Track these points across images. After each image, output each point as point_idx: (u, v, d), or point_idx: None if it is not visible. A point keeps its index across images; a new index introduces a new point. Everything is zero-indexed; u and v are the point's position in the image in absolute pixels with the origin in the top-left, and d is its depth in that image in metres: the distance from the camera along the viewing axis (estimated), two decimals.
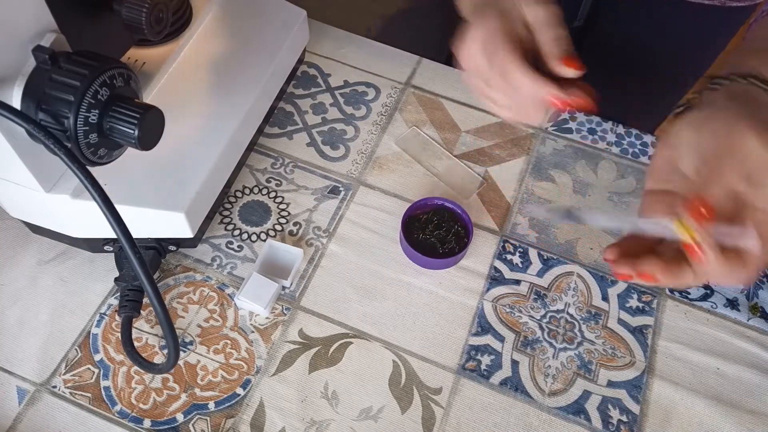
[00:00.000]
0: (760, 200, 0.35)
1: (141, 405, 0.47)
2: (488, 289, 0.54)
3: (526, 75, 0.41)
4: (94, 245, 0.53)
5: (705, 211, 0.34)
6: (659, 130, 0.82)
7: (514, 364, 0.51)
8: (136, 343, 0.49)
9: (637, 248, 0.39)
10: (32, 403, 0.47)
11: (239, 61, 0.57)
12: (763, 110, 0.36)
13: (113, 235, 0.46)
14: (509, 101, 0.44)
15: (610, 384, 0.50)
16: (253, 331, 0.51)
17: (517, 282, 0.55)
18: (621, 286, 0.55)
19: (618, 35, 0.76)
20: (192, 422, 0.47)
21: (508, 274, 0.55)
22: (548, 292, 0.54)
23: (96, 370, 0.49)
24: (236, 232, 0.56)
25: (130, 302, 0.49)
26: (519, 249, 0.56)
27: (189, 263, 0.54)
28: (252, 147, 0.60)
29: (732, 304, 0.55)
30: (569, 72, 0.43)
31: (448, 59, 0.68)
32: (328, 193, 0.58)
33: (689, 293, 0.55)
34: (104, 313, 0.51)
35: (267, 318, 0.52)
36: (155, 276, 0.53)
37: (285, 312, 0.52)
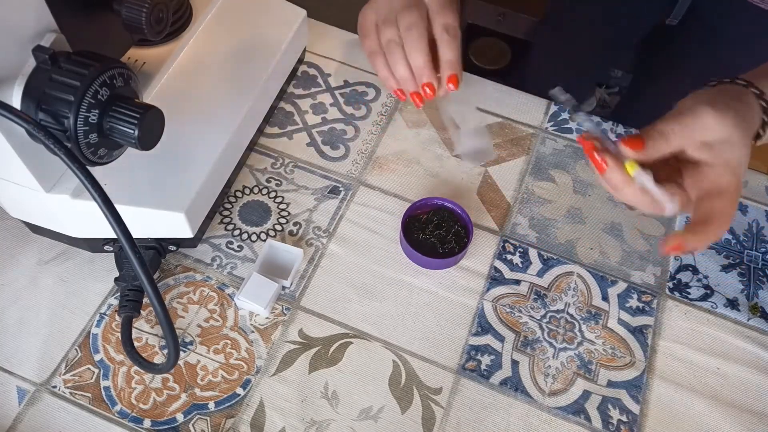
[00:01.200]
0: (713, 160, 0.44)
1: (141, 405, 0.47)
2: (488, 289, 0.54)
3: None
4: (94, 245, 0.53)
5: (638, 143, 0.43)
6: None
7: (514, 364, 0.51)
8: (136, 343, 0.49)
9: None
10: (32, 403, 0.47)
11: (239, 61, 0.57)
12: (730, 98, 0.44)
13: (113, 235, 0.46)
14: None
15: (610, 384, 0.50)
16: (253, 331, 0.51)
17: (517, 282, 0.55)
18: (621, 286, 0.55)
19: (705, 40, 0.76)
20: (192, 422, 0.47)
21: (508, 274, 0.55)
22: (548, 292, 0.54)
23: (96, 370, 0.49)
24: (236, 232, 0.56)
25: (130, 302, 0.49)
26: (519, 249, 0.56)
27: (189, 263, 0.54)
28: (252, 147, 0.60)
29: (732, 304, 0.55)
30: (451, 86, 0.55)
31: None
32: (328, 193, 0.58)
33: (689, 293, 0.55)
34: (104, 313, 0.51)
35: (267, 318, 0.52)
36: (155, 276, 0.53)
37: (285, 312, 0.52)
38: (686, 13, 0.77)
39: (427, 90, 0.55)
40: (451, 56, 0.54)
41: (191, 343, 0.50)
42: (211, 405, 0.48)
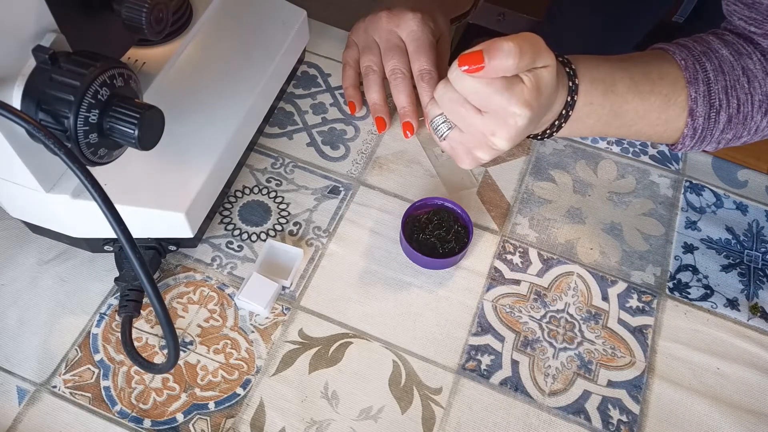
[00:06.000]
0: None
1: (141, 405, 0.47)
2: (488, 289, 0.54)
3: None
4: (94, 245, 0.53)
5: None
6: None
7: (514, 364, 0.51)
8: (136, 343, 0.49)
9: None
10: (32, 403, 0.47)
11: (239, 61, 0.57)
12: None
13: (113, 235, 0.46)
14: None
15: (610, 384, 0.50)
16: (253, 331, 0.51)
17: (517, 282, 0.55)
18: (621, 286, 0.55)
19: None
20: (192, 422, 0.47)
21: (508, 274, 0.55)
22: (548, 292, 0.54)
23: (96, 370, 0.49)
24: (236, 232, 0.56)
25: (130, 302, 0.49)
26: (519, 249, 0.56)
27: (189, 263, 0.54)
28: (252, 147, 0.60)
29: (732, 304, 0.55)
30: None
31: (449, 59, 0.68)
32: (328, 193, 0.58)
33: (689, 293, 0.55)
34: (104, 313, 0.51)
35: (267, 318, 0.52)
36: (155, 276, 0.53)
37: (285, 312, 0.52)
38: (691, 12, 0.77)
39: (408, 133, 0.60)
40: (424, 102, 0.58)
41: (191, 343, 0.50)
42: (211, 405, 0.48)
